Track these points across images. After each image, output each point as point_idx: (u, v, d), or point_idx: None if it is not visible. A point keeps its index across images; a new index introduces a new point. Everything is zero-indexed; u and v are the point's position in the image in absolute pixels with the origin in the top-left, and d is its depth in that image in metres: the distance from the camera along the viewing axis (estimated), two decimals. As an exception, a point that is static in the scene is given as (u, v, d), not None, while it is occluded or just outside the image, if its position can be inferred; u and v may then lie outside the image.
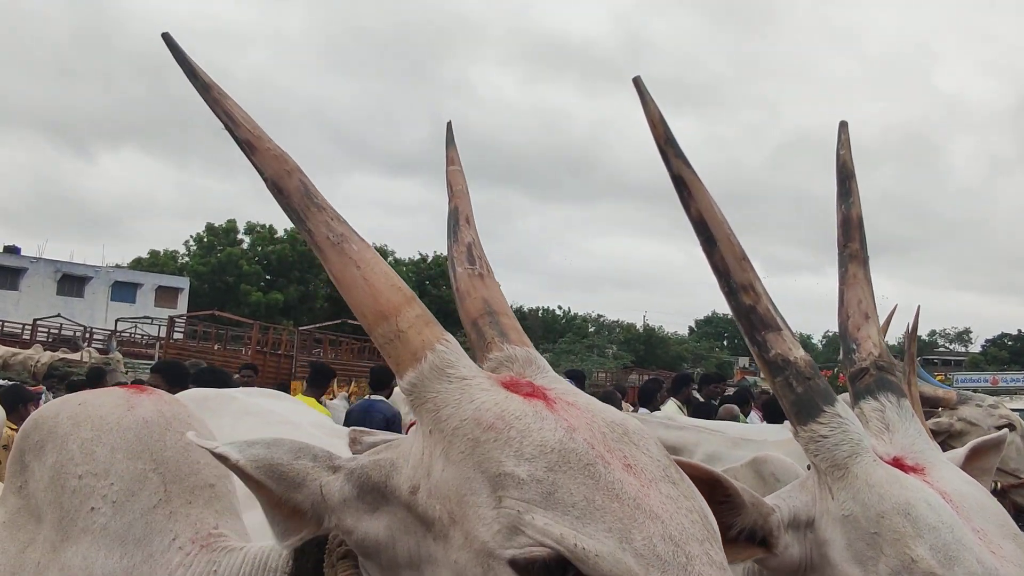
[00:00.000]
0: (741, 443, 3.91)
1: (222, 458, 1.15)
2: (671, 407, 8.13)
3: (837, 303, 1.70)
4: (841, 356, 1.68)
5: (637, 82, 1.42)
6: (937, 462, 1.49)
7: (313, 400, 7.47)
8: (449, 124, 1.68)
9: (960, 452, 1.72)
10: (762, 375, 1.53)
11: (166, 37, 1.38)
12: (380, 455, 1.22)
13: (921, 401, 4.04)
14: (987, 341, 78.52)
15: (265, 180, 1.33)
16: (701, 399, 9.15)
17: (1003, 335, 76.61)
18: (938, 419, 4.37)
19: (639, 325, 68.99)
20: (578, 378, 9.44)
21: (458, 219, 1.55)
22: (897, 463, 1.45)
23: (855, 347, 1.65)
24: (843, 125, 1.74)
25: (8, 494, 1.60)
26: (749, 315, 1.48)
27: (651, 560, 1.02)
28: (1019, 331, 75.19)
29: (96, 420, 1.52)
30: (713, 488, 1.34)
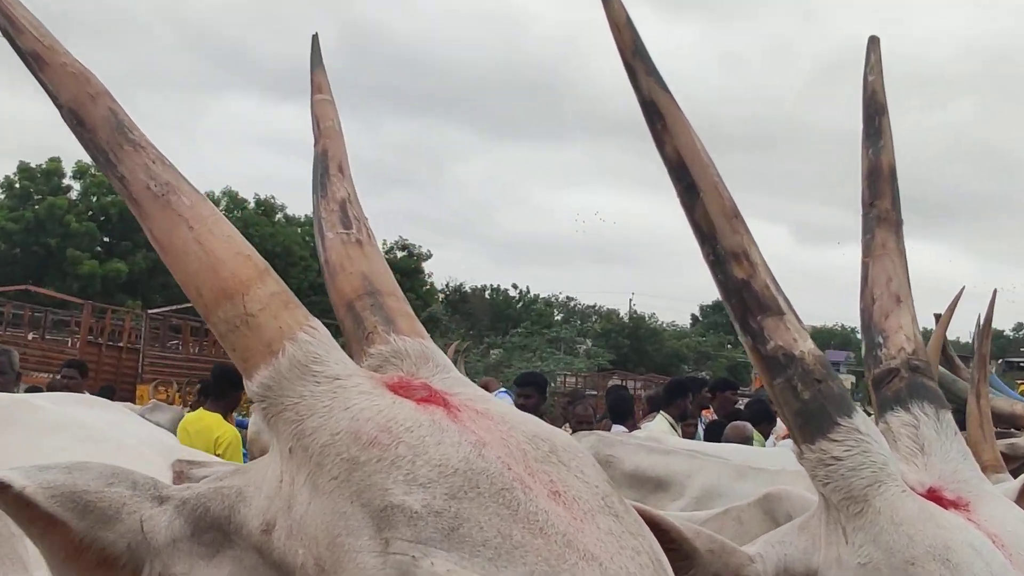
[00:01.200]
0: (749, 473, 4.00)
1: (3, 486, 1.14)
2: (660, 424, 8.27)
3: (860, 281, 1.77)
4: (863, 352, 1.74)
5: None
6: (986, 495, 1.55)
7: (218, 418, 7.42)
8: (315, 38, 1.74)
9: (1014, 484, 1.78)
10: None
11: None
12: (224, 482, 1.24)
13: (993, 418, 4.15)
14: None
15: (59, 108, 1.36)
16: (713, 414, 9.31)
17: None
18: (1014, 441, 4.51)
19: (623, 312, 69.74)
20: (535, 385, 9.50)
21: (327, 166, 1.61)
22: (933, 495, 1.51)
23: (882, 340, 1.71)
24: (873, 42, 1.80)
25: None
26: (741, 293, 1.52)
27: None
28: None
29: None
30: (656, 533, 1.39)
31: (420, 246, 57.65)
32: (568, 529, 1.12)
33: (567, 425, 9.61)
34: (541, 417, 1.84)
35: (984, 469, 1.98)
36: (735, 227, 1.52)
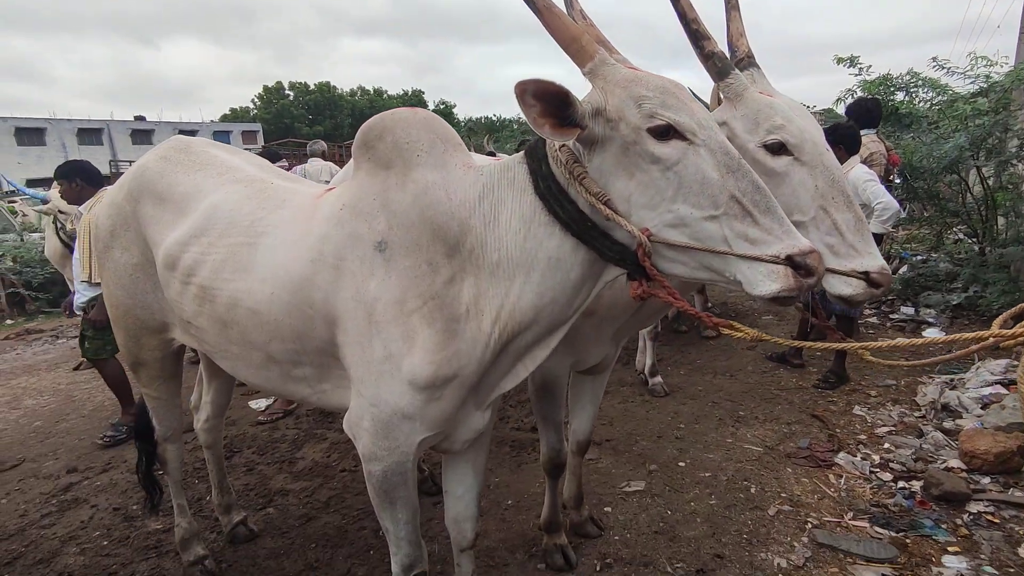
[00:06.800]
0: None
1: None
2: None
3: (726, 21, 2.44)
4: (728, 55, 2.39)
5: None
6: (776, 94, 2.36)
7: None
8: None
9: None
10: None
11: None
12: (590, 97, 1.94)
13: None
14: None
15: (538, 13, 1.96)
16: None
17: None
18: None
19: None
20: None
21: None
22: (763, 94, 2.35)
23: (738, 48, 2.48)
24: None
25: (360, 161, 2.38)
26: (691, 26, 2.24)
27: (698, 122, 1.85)
28: None
29: (404, 119, 2.32)
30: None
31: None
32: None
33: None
34: None
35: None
36: (693, 13, 2.26)
